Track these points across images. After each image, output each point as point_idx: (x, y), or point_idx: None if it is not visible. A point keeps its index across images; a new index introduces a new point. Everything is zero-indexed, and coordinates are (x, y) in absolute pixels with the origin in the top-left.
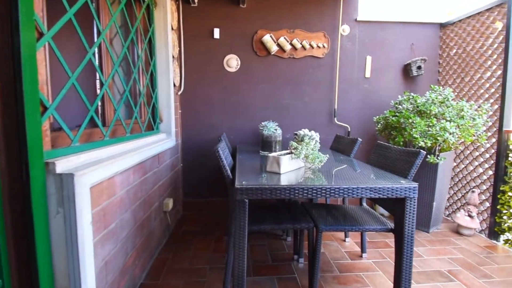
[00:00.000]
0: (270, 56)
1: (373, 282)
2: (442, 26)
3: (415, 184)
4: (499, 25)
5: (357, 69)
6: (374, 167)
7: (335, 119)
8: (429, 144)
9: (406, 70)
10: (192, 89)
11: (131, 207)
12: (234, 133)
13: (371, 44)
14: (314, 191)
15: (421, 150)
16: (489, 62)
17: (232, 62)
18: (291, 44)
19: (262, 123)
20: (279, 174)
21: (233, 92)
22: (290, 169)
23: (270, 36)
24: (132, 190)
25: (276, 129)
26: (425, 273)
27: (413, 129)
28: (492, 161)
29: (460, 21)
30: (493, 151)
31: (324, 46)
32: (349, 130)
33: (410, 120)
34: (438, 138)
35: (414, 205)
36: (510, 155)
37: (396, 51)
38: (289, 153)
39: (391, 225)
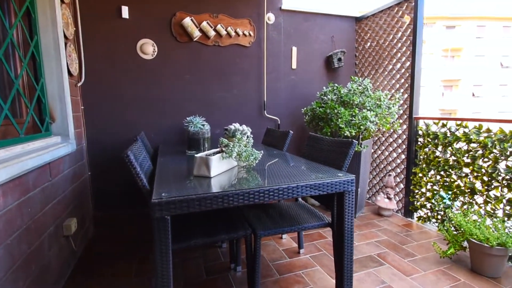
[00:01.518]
0: (192, 43)
1: (313, 280)
2: (358, 20)
3: (352, 177)
4: (407, 19)
5: (283, 60)
6: (309, 160)
7: (265, 111)
8: (353, 133)
9: (328, 61)
10: (98, 79)
11: (4, 242)
12: (155, 131)
13: (296, 34)
14: (251, 196)
15: (353, 140)
16: (399, 54)
17: (148, 48)
18: (215, 30)
19: (187, 118)
20: (209, 177)
21: (151, 83)
22: (221, 171)
23: (191, 19)
24: (3, 219)
25: (203, 125)
26: (358, 261)
27: (339, 119)
28: (404, 146)
29: (373, 15)
30: (404, 136)
31: (250, 35)
32: (279, 122)
33: (336, 111)
34: (361, 126)
35: (352, 198)
36: (419, 139)
37: (319, 42)
38: (219, 152)
39: (328, 219)
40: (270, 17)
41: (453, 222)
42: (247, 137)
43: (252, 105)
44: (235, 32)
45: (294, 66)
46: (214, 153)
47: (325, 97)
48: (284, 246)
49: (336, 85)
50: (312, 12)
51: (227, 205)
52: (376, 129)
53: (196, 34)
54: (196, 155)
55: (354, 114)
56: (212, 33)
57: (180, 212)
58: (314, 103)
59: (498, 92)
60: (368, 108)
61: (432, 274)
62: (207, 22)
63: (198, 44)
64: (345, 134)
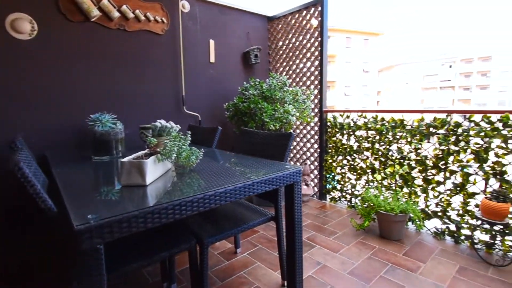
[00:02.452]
0: (89, 24)
1: (257, 278)
2: (269, 19)
3: (300, 168)
4: (314, 22)
5: (201, 52)
6: (246, 155)
7: (184, 107)
8: (277, 127)
9: (245, 57)
10: None
11: None
12: (39, 135)
13: (213, 27)
14: (207, 201)
15: (291, 132)
16: (309, 54)
17: (22, 25)
18: (120, 11)
19: (91, 116)
20: (145, 186)
21: (29, 72)
22: (157, 176)
23: None
24: None
25: (115, 123)
26: None
27: (263, 114)
28: (316, 137)
29: (284, 16)
30: (317, 128)
31: (163, 21)
32: (200, 119)
33: (259, 106)
34: (284, 120)
35: (300, 189)
36: (329, 130)
37: (235, 38)
38: (150, 154)
39: (270, 213)
40: (184, 5)
41: (364, 198)
42: (184, 134)
43: (169, 100)
44: (145, 16)
45: (212, 59)
46: (144, 156)
47: (246, 92)
48: (219, 249)
49: (258, 80)
50: (228, 5)
51: (179, 216)
52: (297, 122)
53: (95, 13)
54: (123, 160)
55: (276, 108)
56: (115, 14)
57: (119, 236)
58: (236, 98)
59: (361, 92)
60: (288, 102)
61: (354, 246)
62: (109, 0)
63: (98, 26)
64: (270, 128)
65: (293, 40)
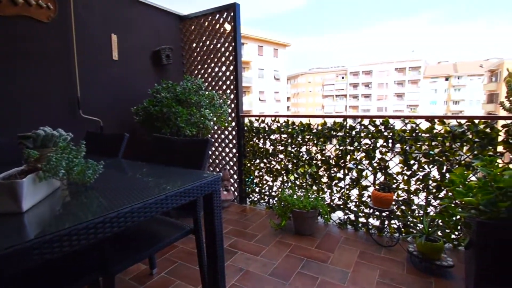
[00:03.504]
0: None
1: None
2: (182, 18)
3: (219, 175)
4: (228, 27)
5: (101, 48)
6: (157, 164)
7: (80, 111)
8: (194, 132)
9: (156, 57)
10: None
11: None
12: None
13: (116, 21)
14: (108, 225)
15: (208, 138)
16: (223, 58)
17: None
18: None
19: None
20: (21, 213)
21: None
22: (39, 199)
23: None
24: None
25: None
26: None
27: (178, 119)
28: (234, 141)
29: (196, 17)
30: (234, 133)
31: (48, 7)
32: (102, 124)
33: (174, 109)
34: (201, 125)
35: (219, 197)
36: (246, 134)
37: (144, 35)
38: (30, 171)
39: (189, 226)
40: None
41: (281, 199)
42: (77, 145)
43: (58, 102)
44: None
45: (115, 56)
46: (19, 175)
47: (158, 95)
48: (131, 273)
49: (170, 82)
50: None
51: (69, 249)
52: (215, 127)
53: None
54: None
55: (192, 112)
56: None
57: None
58: (146, 101)
59: (273, 97)
60: (205, 106)
61: (274, 246)
62: None
63: None
64: (186, 133)
65: (207, 42)
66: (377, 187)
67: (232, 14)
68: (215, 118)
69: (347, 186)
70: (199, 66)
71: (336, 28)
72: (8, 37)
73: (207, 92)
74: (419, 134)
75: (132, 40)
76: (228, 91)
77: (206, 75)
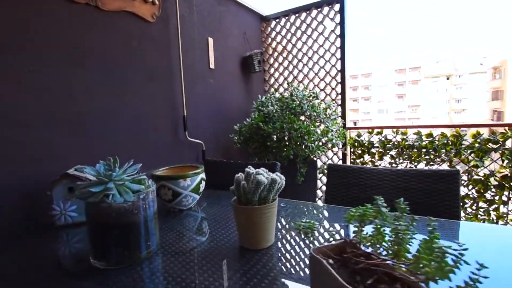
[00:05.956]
0: None
1: None
2: (263, 18)
3: None
4: (330, 23)
5: (199, 53)
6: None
7: (186, 133)
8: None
9: (246, 64)
10: None
11: None
12: None
13: (210, 20)
14: None
15: (456, 170)
16: (322, 61)
17: None
18: None
19: (78, 171)
20: None
21: None
22: None
23: None
24: None
25: (142, 180)
26: None
27: (306, 137)
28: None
29: (285, 15)
30: (337, 149)
31: (153, 3)
32: (204, 149)
33: (296, 125)
34: (328, 143)
35: None
36: (354, 150)
37: (233, 37)
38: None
39: None
40: None
41: None
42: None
43: (163, 124)
44: None
45: (212, 65)
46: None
47: (263, 109)
48: None
49: (277, 92)
50: None
51: None
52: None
53: None
54: None
55: (314, 127)
56: None
57: None
58: (255, 116)
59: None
60: (320, 119)
61: None
62: None
63: None
64: (312, 157)
65: (299, 44)
66: None
67: (338, 7)
68: (336, 134)
69: None
70: (286, 73)
71: None
72: (113, 40)
73: (319, 101)
74: None
75: (224, 45)
76: (329, 98)
77: (300, 83)
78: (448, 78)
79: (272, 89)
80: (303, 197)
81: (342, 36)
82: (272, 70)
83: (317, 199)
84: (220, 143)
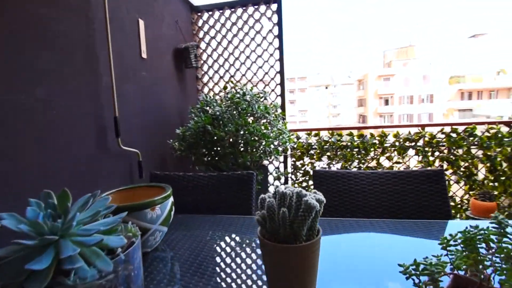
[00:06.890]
0: None
1: None
2: (194, 9)
3: None
4: (266, 21)
5: (130, 39)
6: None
7: (119, 140)
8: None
9: (180, 57)
10: None
11: None
12: None
13: (141, 0)
14: None
15: (443, 170)
16: (260, 60)
17: None
18: None
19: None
20: None
21: None
22: None
23: None
24: None
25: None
26: None
27: (263, 141)
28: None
29: (218, 8)
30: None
31: None
32: (140, 159)
33: (250, 127)
34: (286, 143)
35: None
36: (295, 152)
37: (166, 25)
38: None
39: None
40: None
41: None
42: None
43: (85, 128)
44: None
45: (144, 54)
46: None
47: (209, 109)
48: None
49: (238, 89)
50: None
51: None
52: None
53: None
54: None
55: (267, 129)
56: None
57: None
58: (203, 117)
59: None
60: (267, 120)
61: None
62: None
63: None
64: (270, 159)
65: (235, 41)
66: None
67: (276, 7)
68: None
69: None
70: (221, 71)
71: None
72: (19, 7)
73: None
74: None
75: (159, 32)
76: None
77: (238, 83)
78: (326, 87)
79: (206, 88)
80: None
81: (280, 36)
82: (206, 67)
83: None
84: (154, 151)
